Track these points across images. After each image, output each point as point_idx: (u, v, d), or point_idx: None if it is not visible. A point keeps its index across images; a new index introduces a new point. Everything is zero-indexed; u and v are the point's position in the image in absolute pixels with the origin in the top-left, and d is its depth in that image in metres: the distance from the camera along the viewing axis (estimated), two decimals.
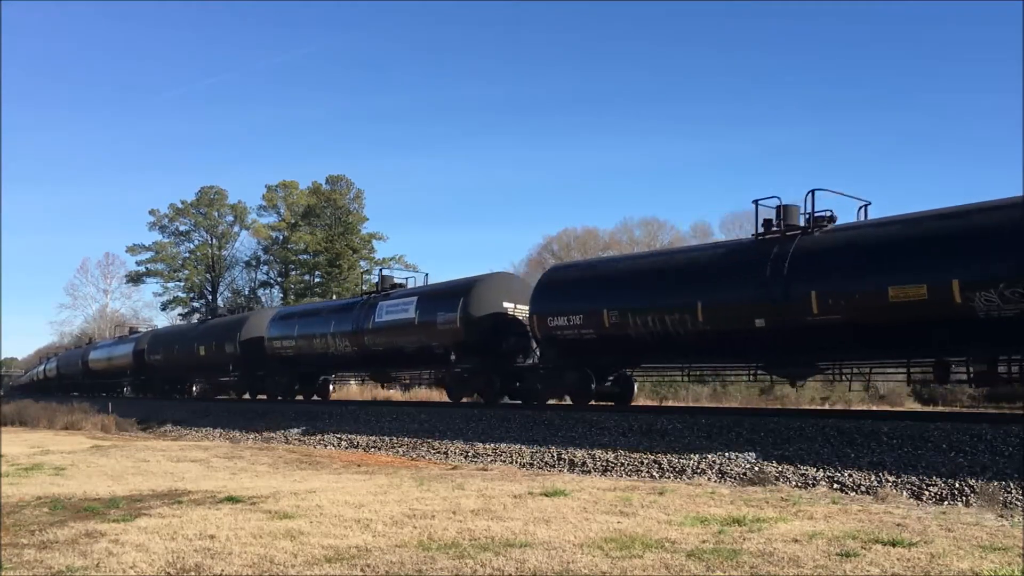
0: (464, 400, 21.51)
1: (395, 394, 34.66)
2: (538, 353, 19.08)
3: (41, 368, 63.99)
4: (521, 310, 19.71)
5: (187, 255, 71.86)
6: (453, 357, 20.07)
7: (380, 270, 26.09)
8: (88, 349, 48.12)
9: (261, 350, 27.23)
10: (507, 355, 19.86)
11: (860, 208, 14.76)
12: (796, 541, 6.77)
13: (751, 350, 14.85)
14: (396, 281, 23.97)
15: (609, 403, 18.34)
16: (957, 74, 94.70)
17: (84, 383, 46.87)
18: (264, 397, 28.51)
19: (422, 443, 16.36)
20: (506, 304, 20.10)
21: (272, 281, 68.98)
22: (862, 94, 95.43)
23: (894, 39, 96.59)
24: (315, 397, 27.64)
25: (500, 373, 19.93)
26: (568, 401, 18.83)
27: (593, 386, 17.60)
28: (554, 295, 17.85)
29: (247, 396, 30.10)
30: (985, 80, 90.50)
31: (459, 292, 20.21)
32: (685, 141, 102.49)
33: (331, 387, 28.84)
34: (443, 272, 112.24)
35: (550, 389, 18.74)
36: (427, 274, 24.11)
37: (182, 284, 71.62)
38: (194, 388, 37.32)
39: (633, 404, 17.80)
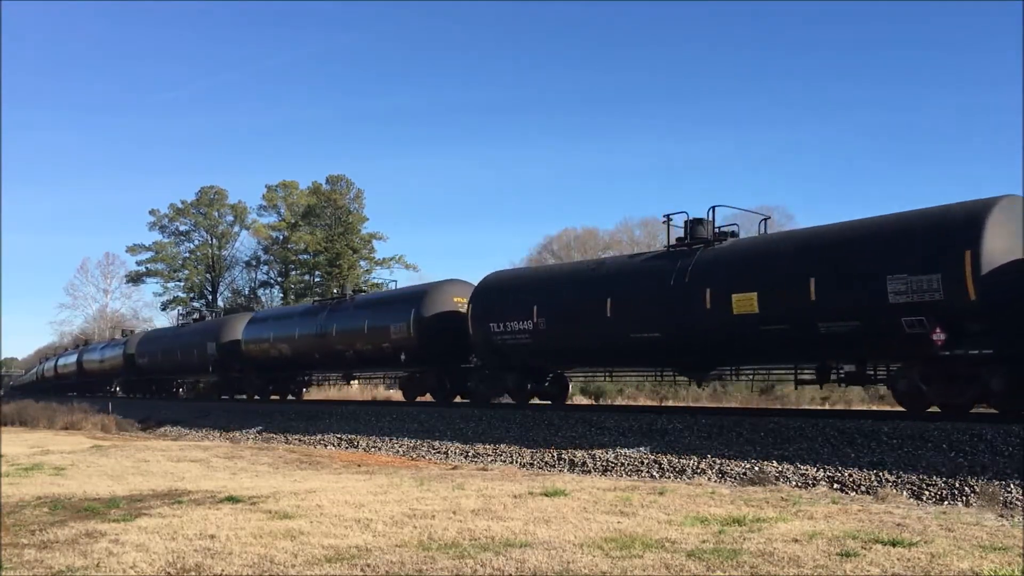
0: None
1: None
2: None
3: (69, 360, 51.80)
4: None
5: (187, 255, 71.85)
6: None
7: None
8: (224, 323, 31.86)
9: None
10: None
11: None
12: (796, 541, 6.77)
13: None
14: None
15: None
16: (957, 74, 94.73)
17: (224, 378, 31.63)
18: None
19: (422, 443, 16.36)
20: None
21: (272, 281, 69.03)
22: (862, 93, 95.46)
23: (894, 38, 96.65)
24: None
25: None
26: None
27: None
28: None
29: None
30: (984, 80, 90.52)
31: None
32: (685, 141, 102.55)
33: None
34: (443, 271, 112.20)
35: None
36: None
37: (182, 284, 71.57)
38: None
39: (633, 404, 17.90)
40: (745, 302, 14.02)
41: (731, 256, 14.89)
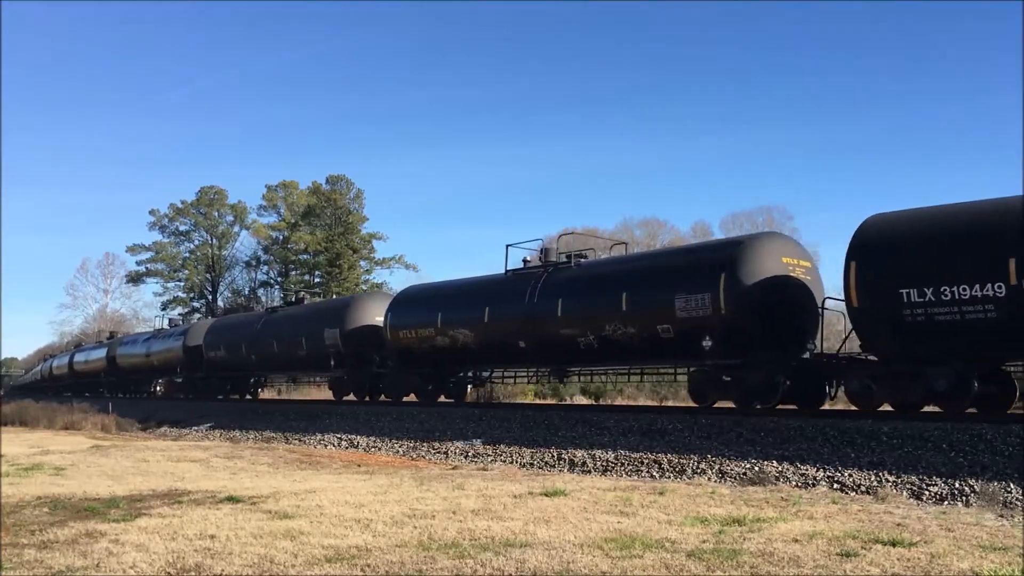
0: None
1: None
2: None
3: (92, 356, 46.15)
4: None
5: (187, 255, 72.02)
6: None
7: None
8: (349, 304, 25.06)
9: None
10: None
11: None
12: (796, 541, 6.77)
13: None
14: None
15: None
16: (957, 73, 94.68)
17: (354, 375, 24.47)
18: None
19: (422, 443, 16.36)
20: None
21: (272, 281, 69.08)
22: (862, 92, 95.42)
23: (894, 37, 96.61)
24: None
25: None
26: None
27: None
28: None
29: None
30: (984, 79, 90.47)
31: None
32: (685, 141, 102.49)
33: None
34: (442, 272, 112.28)
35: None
36: None
37: (182, 284, 71.74)
38: None
39: (634, 404, 17.72)
40: None
41: None
